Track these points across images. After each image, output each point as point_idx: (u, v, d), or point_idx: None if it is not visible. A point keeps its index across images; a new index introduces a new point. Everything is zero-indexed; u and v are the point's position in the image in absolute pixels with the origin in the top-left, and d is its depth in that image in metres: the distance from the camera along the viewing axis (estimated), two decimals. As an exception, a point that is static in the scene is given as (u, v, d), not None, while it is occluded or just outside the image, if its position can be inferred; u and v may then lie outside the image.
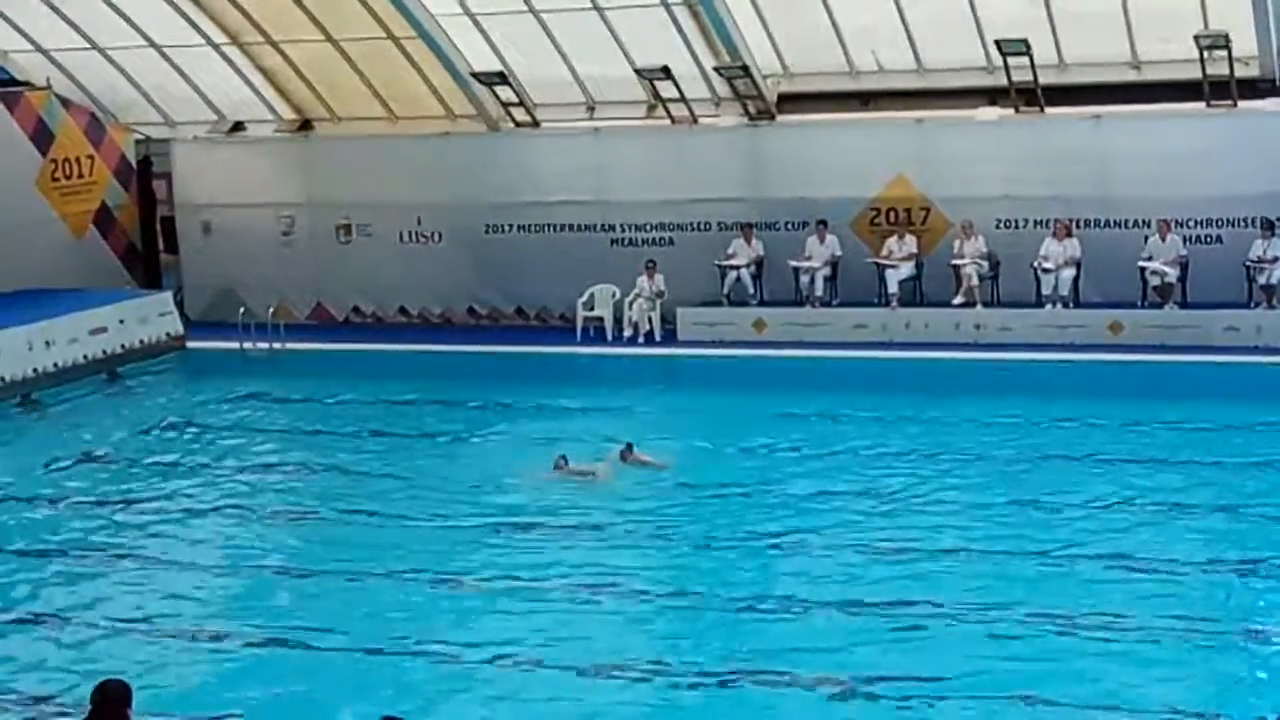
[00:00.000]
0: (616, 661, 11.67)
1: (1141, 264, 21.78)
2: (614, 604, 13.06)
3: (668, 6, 22.25)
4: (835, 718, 10.81)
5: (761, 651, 11.83)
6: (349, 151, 25.65)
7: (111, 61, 25.31)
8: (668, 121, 23.81)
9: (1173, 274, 21.63)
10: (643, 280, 23.41)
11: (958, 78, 22.83)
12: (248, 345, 23.61)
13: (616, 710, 10.70)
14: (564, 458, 16.63)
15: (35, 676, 11.83)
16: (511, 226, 24.70)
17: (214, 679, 11.79)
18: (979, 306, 22.40)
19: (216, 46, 24.61)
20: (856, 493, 15.77)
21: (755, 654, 11.78)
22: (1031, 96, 22.22)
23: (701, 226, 23.92)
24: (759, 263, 23.44)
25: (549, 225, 24.50)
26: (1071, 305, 22.09)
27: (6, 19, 24.35)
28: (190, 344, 24.29)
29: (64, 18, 24.20)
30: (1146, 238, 21.89)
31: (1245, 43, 20.98)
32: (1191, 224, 21.91)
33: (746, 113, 23.61)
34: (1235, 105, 21.48)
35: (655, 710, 10.85)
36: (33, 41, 24.96)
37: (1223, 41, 20.69)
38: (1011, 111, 22.52)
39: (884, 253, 22.94)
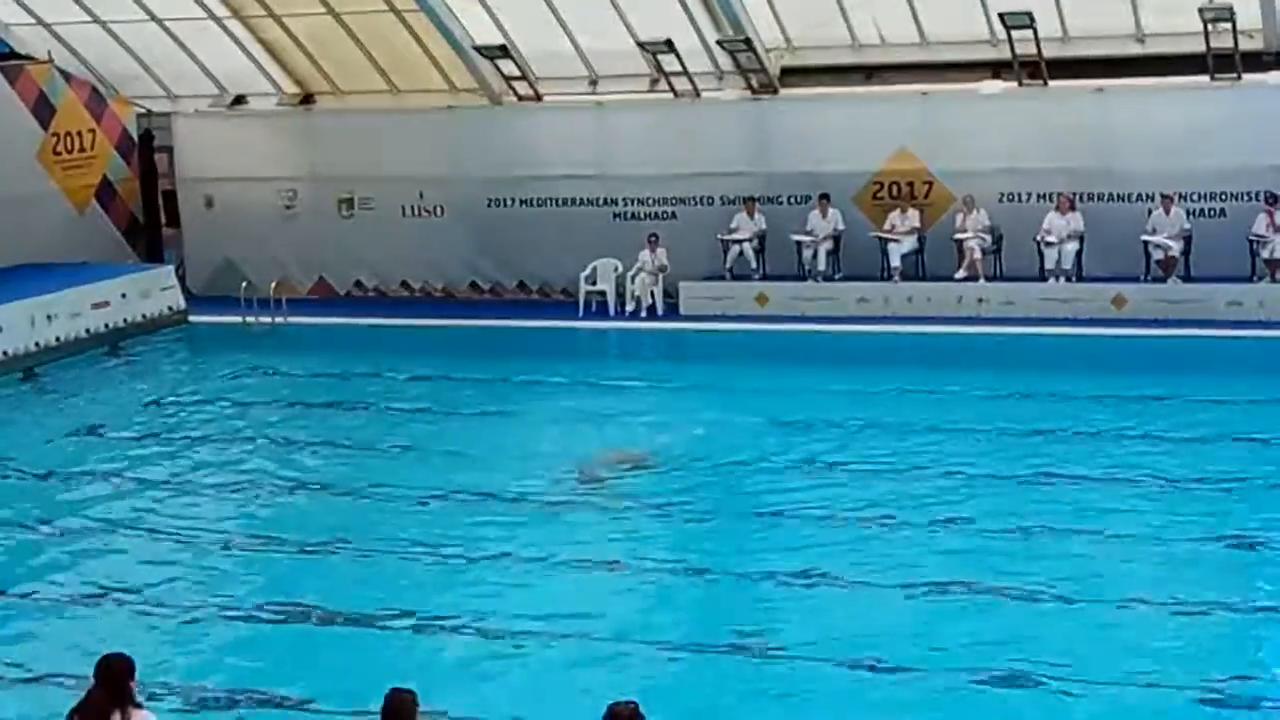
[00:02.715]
0: (630, 636, 11.70)
1: (1145, 238, 21.75)
2: (623, 580, 13.06)
3: (670, -21, 22.24)
4: (849, 690, 10.83)
5: (768, 626, 11.87)
6: (351, 125, 25.62)
7: (113, 35, 25.24)
8: (670, 95, 23.74)
9: (1176, 248, 21.61)
10: (645, 254, 23.39)
11: (961, 51, 22.76)
12: (249, 319, 23.63)
13: (630, 685, 10.68)
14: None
15: (37, 651, 11.84)
16: (514, 200, 24.67)
17: (216, 652, 11.80)
18: (982, 280, 22.38)
19: (218, 19, 24.54)
20: (858, 467, 15.76)
21: (761, 628, 11.81)
22: (1035, 69, 22.17)
23: (704, 200, 23.89)
24: (761, 237, 23.41)
25: (551, 199, 24.48)
26: (1074, 279, 22.06)
27: (7, -8, 24.34)
28: (192, 318, 24.32)
29: (65, -10, 24.18)
30: (1150, 211, 21.85)
31: (1249, 16, 20.93)
32: (1195, 198, 21.86)
33: (749, 86, 23.56)
34: (1239, 79, 21.42)
35: (668, 686, 10.85)
36: (34, 14, 24.90)
37: (1227, 14, 20.62)
38: (1015, 85, 22.46)
39: (887, 226, 22.90)
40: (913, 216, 22.85)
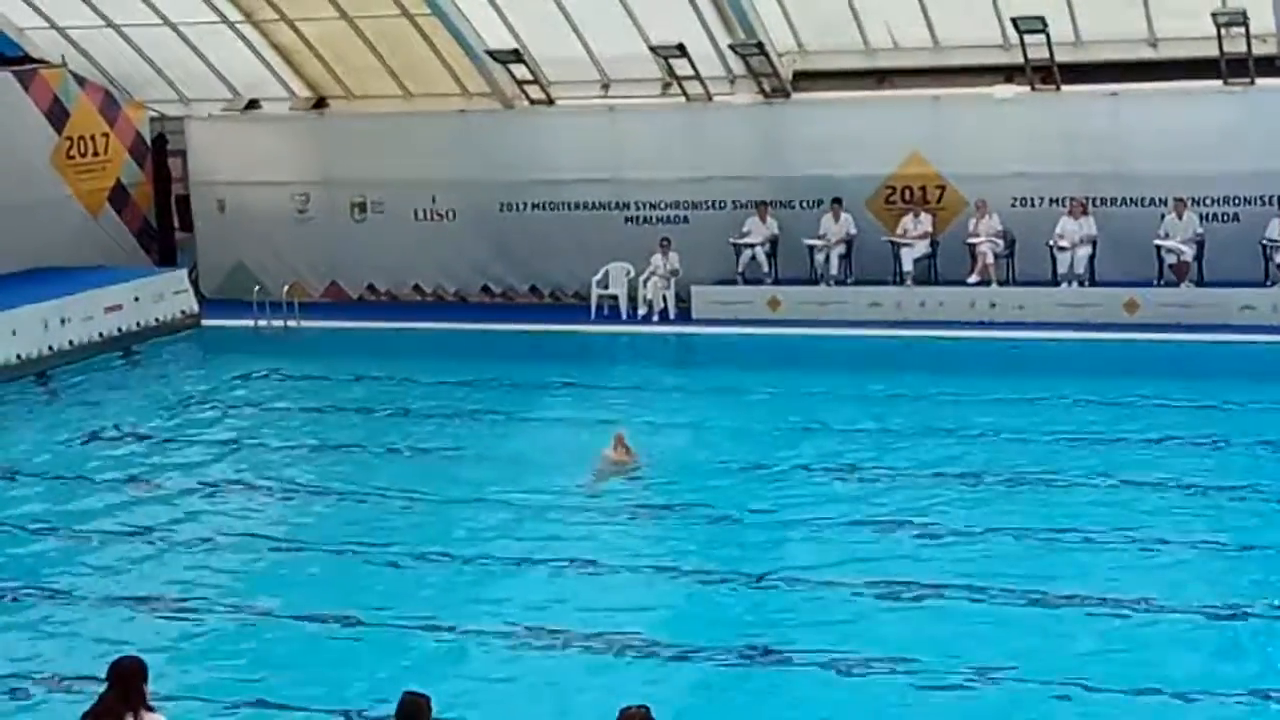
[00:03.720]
0: (637, 638, 11.70)
1: (1158, 242, 21.73)
2: (633, 583, 13.08)
3: (683, -16, 22.24)
4: (849, 694, 10.82)
5: (779, 630, 11.86)
6: (364, 129, 25.65)
7: (126, 39, 25.30)
8: (683, 99, 23.75)
9: (1189, 252, 21.58)
10: (657, 258, 23.40)
11: (974, 55, 22.77)
12: (262, 323, 23.68)
13: (640, 687, 10.69)
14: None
15: (49, 653, 11.85)
16: (526, 204, 24.69)
17: (229, 655, 11.80)
18: (994, 285, 22.36)
19: (231, 24, 24.60)
20: (871, 471, 15.73)
21: (765, 631, 11.81)
22: (1048, 74, 22.16)
23: (716, 204, 23.90)
24: (774, 241, 23.41)
25: (564, 203, 24.50)
26: (1087, 284, 22.04)
27: (22, -4, 24.38)
28: (205, 322, 24.35)
29: (79, -6, 24.23)
30: (1163, 216, 21.83)
31: (1263, 20, 20.90)
32: (1208, 202, 21.85)
33: (762, 90, 23.56)
34: (1253, 83, 21.40)
35: (679, 691, 10.85)
36: (48, 19, 24.97)
37: (1240, 19, 20.60)
38: (1028, 89, 22.46)
39: (899, 231, 22.90)
40: (925, 221, 22.83)
